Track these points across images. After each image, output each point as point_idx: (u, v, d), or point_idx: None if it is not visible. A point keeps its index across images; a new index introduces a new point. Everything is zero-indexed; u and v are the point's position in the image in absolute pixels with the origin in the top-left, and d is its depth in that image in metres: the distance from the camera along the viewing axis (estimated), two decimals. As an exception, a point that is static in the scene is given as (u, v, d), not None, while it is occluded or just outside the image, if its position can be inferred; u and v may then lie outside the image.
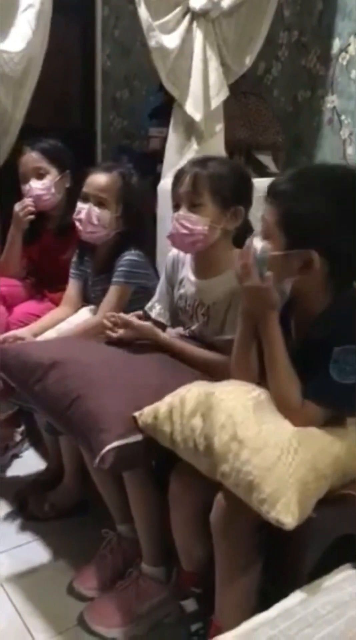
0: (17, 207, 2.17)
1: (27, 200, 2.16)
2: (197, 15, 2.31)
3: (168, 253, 1.81)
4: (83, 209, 1.92)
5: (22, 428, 2.25)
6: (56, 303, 2.16)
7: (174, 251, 1.77)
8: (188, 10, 2.32)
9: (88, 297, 2.09)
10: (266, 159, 2.84)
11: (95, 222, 1.90)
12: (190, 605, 1.38)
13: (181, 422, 1.27)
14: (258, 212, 2.58)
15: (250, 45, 2.47)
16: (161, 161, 2.53)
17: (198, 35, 2.32)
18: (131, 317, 1.67)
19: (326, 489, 1.16)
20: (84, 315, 2.03)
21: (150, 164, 2.86)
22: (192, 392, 1.32)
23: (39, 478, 2.06)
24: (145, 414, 1.34)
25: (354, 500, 1.19)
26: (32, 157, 2.17)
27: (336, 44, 2.63)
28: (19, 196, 2.19)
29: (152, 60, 2.38)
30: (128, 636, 1.50)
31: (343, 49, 2.60)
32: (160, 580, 1.55)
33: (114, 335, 1.65)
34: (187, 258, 1.74)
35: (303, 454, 1.15)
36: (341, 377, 1.19)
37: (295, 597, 0.99)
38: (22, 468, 2.17)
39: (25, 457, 2.24)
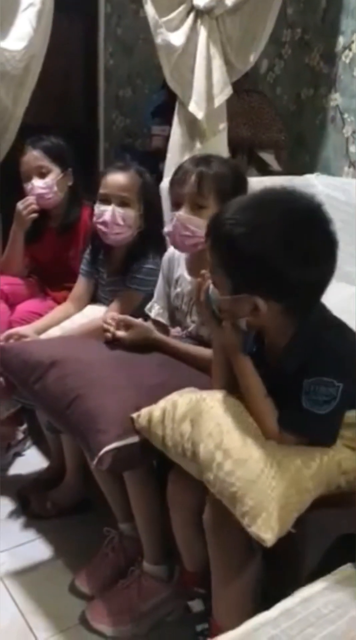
0: (20, 205, 2.17)
1: (30, 199, 2.16)
2: (201, 13, 2.31)
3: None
4: (106, 210, 1.87)
5: (24, 426, 2.26)
6: (58, 301, 2.16)
7: (170, 250, 1.77)
8: (192, 7, 2.31)
9: (97, 297, 2.08)
10: (269, 158, 2.84)
11: (121, 222, 1.86)
12: (196, 605, 1.38)
13: (172, 427, 1.27)
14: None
15: (254, 43, 2.47)
16: (163, 160, 2.53)
17: (202, 33, 2.32)
18: (127, 317, 1.66)
19: (309, 503, 1.15)
20: (90, 313, 2.02)
21: (152, 162, 2.85)
22: (184, 397, 1.31)
23: (40, 476, 2.06)
24: (141, 417, 1.34)
25: (355, 500, 1.18)
26: (33, 156, 2.17)
27: (340, 41, 2.63)
28: (21, 195, 2.19)
29: (156, 58, 2.38)
30: (130, 635, 1.50)
31: (347, 47, 2.60)
32: (162, 578, 1.55)
33: (110, 335, 1.65)
34: (182, 257, 1.74)
35: (286, 467, 1.14)
36: (315, 407, 1.17)
37: (297, 597, 0.98)
38: (24, 466, 2.18)
39: (27, 455, 2.24)
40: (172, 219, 1.62)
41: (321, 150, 2.79)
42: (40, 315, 2.09)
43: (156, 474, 1.49)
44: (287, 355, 1.23)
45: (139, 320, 1.67)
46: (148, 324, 1.69)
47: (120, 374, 1.51)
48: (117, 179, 1.88)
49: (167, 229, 1.64)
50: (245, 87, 2.77)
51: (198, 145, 2.41)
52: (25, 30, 2.18)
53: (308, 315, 1.21)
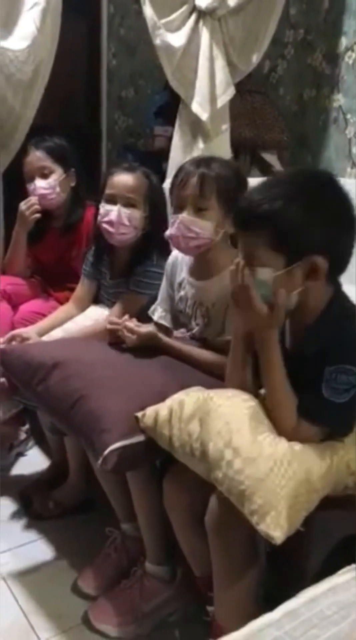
0: (23, 205, 2.17)
1: (33, 199, 2.16)
2: (203, 14, 2.31)
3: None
4: (111, 211, 1.87)
5: (26, 427, 2.26)
6: (61, 302, 2.16)
7: (174, 254, 1.77)
8: (194, 8, 2.31)
9: (100, 298, 2.08)
10: (271, 158, 2.84)
11: (127, 223, 1.86)
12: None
13: (179, 427, 1.27)
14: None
15: (257, 43, 2.47)
16: (166, 160, 2.53)
17: (204, 34, 2.32)
18: (133, 324, 1.65)
19: (317, 502, 1.15)
20: (92, 315, 2.02)
21: (155, 163, 2.85)
22: (191, 396, 1.31)
23: (42, 477, 2.06)
24: (146, 416, 1.34)
25: (359, 501, 1.18)
26: (36, 156, 2.17)
27: (343, 42, 2.62)
28: (23, 195, 2.19)
29: (158, 59, 2.38)
30: (133, 635, 1.50)
31: (350, 48, 2.60)
32: (165, 579, 1.55)
33: (118, 334, 1.65)
34: (186, 260, 1.73)
35: (296, 467, 1.14)
36: (334, 396, 1.18)
37: (300, 598, 0.98)
38: (26, 466, 2.18)
39: (29, 455, 2.24)
40: (174, 221, 1.61)
41: (323, 151, 2.79)
42: (43, 315, 2.09)
43: (158, 474, 1.49)
44: (309, 337, 1.24)
45: (144, 331, 1.65)
46: (153, 331, 1.68)
47: (124, 375, 1.51)
48: (124, 179, 1.88)
49: (169, 232, 1.64)
50: (247, 87, 2.77)
51: (201, 145, 2.41)
52: (29, 30, 2.18)
53: (339, 287, 1.27)
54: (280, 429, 1.22)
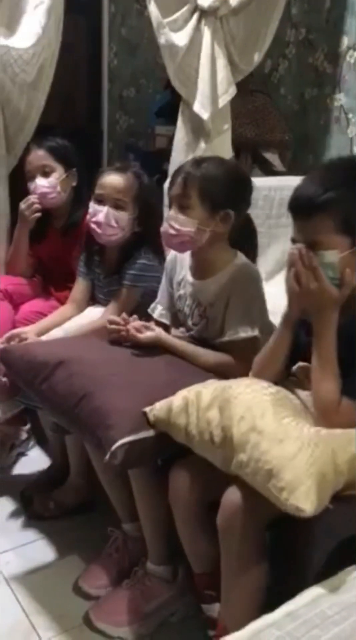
0: (22, 205, 2.17)
1: (33, 198, 2.16)
2: (205, 13, 2.31)
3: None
4: (100, 211, 1.88)
5: (27, 426, 2.26)
6: (62, 302, 2.16)
7: (172, 252, 1.77)
8: (196, 8, 2.31)
9: (96, 297, 2.08)
10: (273, 158, 2.84)
11: (114, 224, 1.87)
12: (211, 610, 1.36)
13: (197, 415, 1.28)
14: (264, 210, 2.59)
15: (259, 42, 2.46)
16: (167, 160, 2.53)
17: (206, 33, 2.32)
18: (138, 324, 1.65)
19: (341, 486, 1.17)
20: (90, 314, 2.03)
21: (156, 162, 2.86)
22: (208, 387, 1.34)
23: (43, 476, 2.06)
24: (157, 408, 1.35)
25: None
26: (37, 155, 2.17)
27: (344, 41, 2.62)
28: (25, 195, 2.19)
29: (160, 58, 2.38)
30: (134, 635, 1.50)
31: (351, 47, 2.60)
32: (166, 579, 1.55)
33: (123, 334, 1.65)
34: (187, 259, 1.74)
35: (323, 448, 1.17)
36: None
37: (302, 599, 0.98)
38: (27, 466, 2.18)
39: (30, 455, 2.24)
40: (165, 218, 1.64)
41: (325, 150, 2.79)
42: (44, 315, 2.09)
43: (161, 473, 1.49)
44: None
45: (150, 334, 1.65)
46: (158, 333, 1.68)
47: (128, 373, 1.51)
48: (113, 180, 1.89)
49: (161, 228, 1.67)
50: (249, 87, 2.77)
51: (202, 145, 2.41)
52: (34, 29, 2.17)
53: None
54: (323, 408, 1.27)
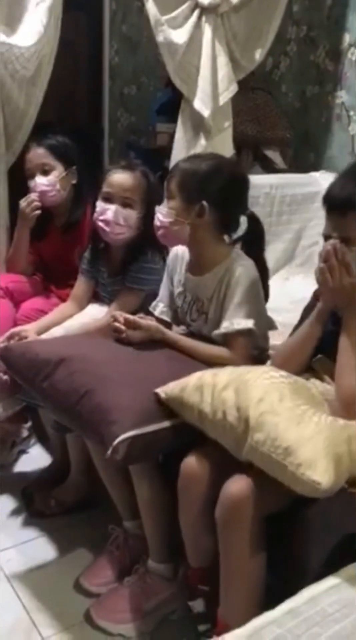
0: (23, 203, 2.17)
1: (33, 196, 2.15)
2: (206, 10, 2.30)
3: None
4: (108, 209, 1.87)
5: (28, 424, 2.26)
6: (63, 299, 2.16)
7: (174, 250, 1.78)
8: (196, 5, 2.31)
9: (99, 296, 2.08)
10: (274, 155, 2.84)
11: (122, 222, 1.86)
12: (198, 605, 1.38)
13: (212, 395, 1.29)
14: (265, 208, 2.58)
15: (261, 40, 2.46)
16: (168, 157, 2.53)
17: (206, 31, 2.31)
18: (136, 317, 1.67)
19: (354, 471, 1.20)
20: (91, 312, 2.02)
21: (157, 160, 2.85)
22: (225, 370, 1.37)
23: (44, 474, 2.06)
24: (170, 387, 1.37)
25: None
26: (37, 153, 2.16)
27: (346, 38, 2.62)
28: (25, 193, 2.19)
29: (161, 56, 2.38)
30: (135, 632, 1.50)
31: (353, 44, 2.59)
32: (167, 577, 1.55)
33: (122, 336, 1.65)
34: (186, 256, 1.75)
35: (338, 433, 1.20)
36: None
37: (302, 596, 0.98)
38: (28, 464, 2.18)
39: (31, 453, 2.24)
40: None
41: (326, 147, 2.79)
42: (45, 312, 2.09)
43: (163, 471, 1.49)
44: None
45: (147, 322, 1.67)
46: (156, 324, 1.69)
47: (129, 369, 1.51)
48: (122, 178, 1.88)
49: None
50: (250, 84, 2.76)
51: (203, 142, 2.41)
52: (35, 28, 2.17)
53: None
54: (346, 400, 1.31)
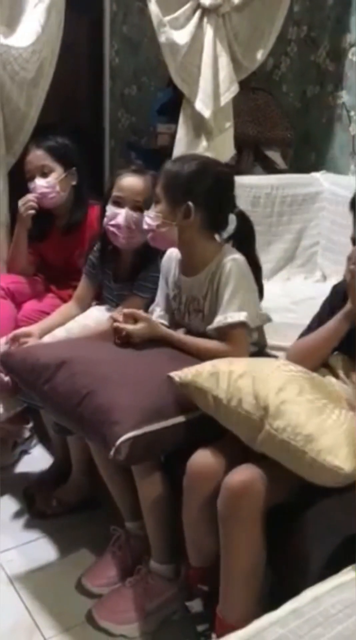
0: (20, 203, 2.17)
1: (30, 196, 2.16)
2: (207, 11, 2.30)
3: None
4: (118, 214, 1.86)
5: (30, 425, 2.26)
6: (65, 300, 2.16)
7: (168, 253, 1.79)
8: (198, 5, 2.31)
9: (104, 297, 2.07)
10: (275, 155, 2.83)
11: (133, 227, 1.86)
12: (196, 605, 1.38)
13: (228, 381, 1.30)
14: (266, 208, 2.58)
15: (262, 40, 2.46)
16: (169, 158, 2.52)
17: (208, 31, 2.32)
18: (134, 310, 1.69)
19: None
20: (94, 315, 2.02)
21: (158, 160, 2.84)
22: (241, 360, 1.39)
23: (45, 475, 2.06)
24: (184, 372, 1.38)
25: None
26: (36, 155, 2.16)
27: (347, 38, 2.62)
28: (26, 194, 2.19)
29: (162, 56, 2.38)
30: (137, 632, 1.50)
31: (353, 44, 2.59)
32: (169, 577, 1.55)
33: (123, 334, 1.66)
34: (178, 258, 1.75)
35: None
36: None
37: (305, 597, 0.98)
38: (30, 464, 2.18)
39: (33, 453, 2.24)
40: None
41: (327, 148, 2.79)
42: (47, 313, 2.09)
43: (165, 471, 1.49)
44: None
45: (146, 315, 1.69)
46: (155, 320, 1.70)
47: (131, 370, 1.51)
48: (133, 182, 1.88)
49: None
50: (250, 85, 2.76)
51: (204, 143, 2.41)
52: (33, 28, 2.17)
53: None
54: None
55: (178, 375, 1.38)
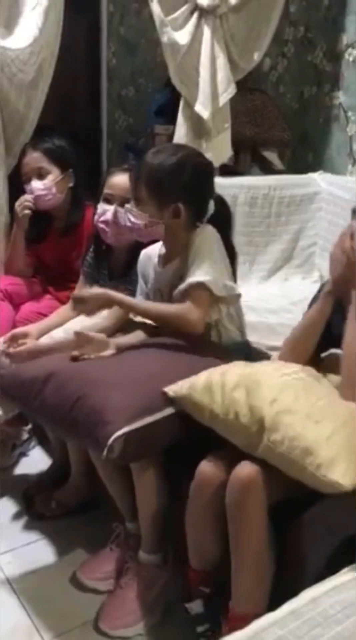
0: (16, 204, 2.17)
1: (26, 197, 2.16)
2: (205, 12, 2.31)
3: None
4: (108, 210, 1.89)
5: (29, 426, 2.26)
6: (63, 302, 2.16)
7: (143, 253, 1.81)
8: (196, 6, 2.31)
9: None
10: (272, 156, 2.84)
11: (122, 223, 1.86)
12: (196, 607, 1.38)
13: (222, 394, 1.30)
14: (264, 209, 2.58)
15: (259, 41, 2.47)
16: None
17: (206, 32, 2.32)
18: (82, 291, 1.71)
19: None
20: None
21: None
22: (232, 369, 1.36)
23: (44, 476, 2.06)
24: (178, 386, 1.37)
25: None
26: (33, 157, 2.16)
27: (343, 39, 2.62)
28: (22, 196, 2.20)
29: (159, 57, 2.38)
30: (148, 627, 1.51)
31: (350, 45, 2.59)
32: (159, 565, 1.56)
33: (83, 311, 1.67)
34: (155, 252, 1.76)
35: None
36: None
37: (304, 597, 0.98)
38: (29, 466, 2.17)
39: (32, 455, 2.24)
40: None
41: (324, 148, 2.79)
42: (45, 315, 2.09)
43: (165, 470, 1.49)
44: None
45: (94, 292, 1.68)
46: (104, 291, 1.68)
47: (119, 372, 1.52)
48: (122, 180, 1.89)
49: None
50: (248, 85, 2.76)
51: (203, 144, 2.41)
52: (31, 30, 2.17)
53: None
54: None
55: (172, 389, 1.38)
